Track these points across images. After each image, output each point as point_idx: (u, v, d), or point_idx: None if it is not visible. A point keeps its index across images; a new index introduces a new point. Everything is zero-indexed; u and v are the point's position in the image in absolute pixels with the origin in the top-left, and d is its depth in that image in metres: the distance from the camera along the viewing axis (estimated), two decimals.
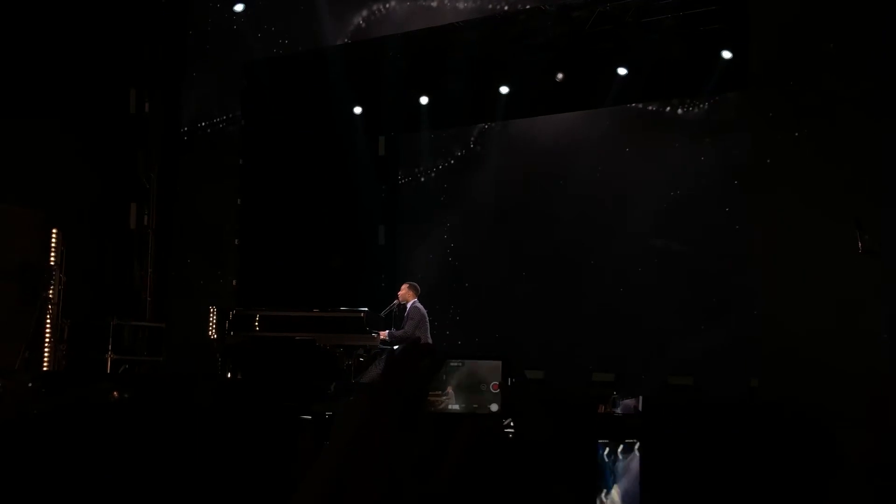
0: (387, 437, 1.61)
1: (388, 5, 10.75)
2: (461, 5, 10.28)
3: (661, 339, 11.26)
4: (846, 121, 7.67)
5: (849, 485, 1.99)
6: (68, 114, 11.04)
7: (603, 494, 1.93)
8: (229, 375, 10.17)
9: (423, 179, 14.18)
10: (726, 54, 10.86)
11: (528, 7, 10.14)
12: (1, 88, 10.23)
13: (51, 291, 9.50)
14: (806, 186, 7.76)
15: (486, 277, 13.15)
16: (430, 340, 9.93)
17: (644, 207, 11.89)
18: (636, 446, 1.98)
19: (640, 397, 7.60)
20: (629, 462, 1.96)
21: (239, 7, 11.50)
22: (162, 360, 11.22)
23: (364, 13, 10.88)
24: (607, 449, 1.95)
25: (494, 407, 1.74)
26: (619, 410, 7.54)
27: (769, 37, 8.35)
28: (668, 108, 12.19)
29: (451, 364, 1.81)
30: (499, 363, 1.80)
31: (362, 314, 10.23)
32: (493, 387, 1.74)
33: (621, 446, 1.97)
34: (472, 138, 13.73)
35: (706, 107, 11.88)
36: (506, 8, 10.13)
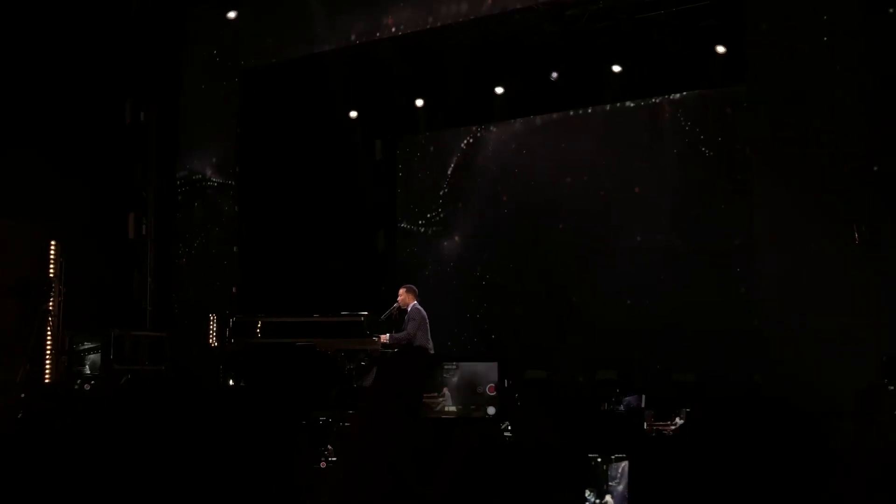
0: (385, 440, 1.60)
1: (381, 9, 10.75)
2: (454, 7, 10.28)
3: (665, 336, 11.24)
4: (844, 114, 7.65)
5: (846, 480, 1.98)
6: (64, 125, 11.03)
7: (598, 501, 1.94)
8: (231, 382, 10.16)
9: (420, 182, 14.17)
10: (721, 49, 10.85)
11: (520, 7, 10.13)
12: None
13: (51, 303, 9.49)
14: (804, 181, 7.74)
15: (487, 278, 13.15)
16: (430, 342, 9.93)
17: (645, 204, 11.88)
18: (625, 460, 1.99)
19: (643, 396, 7.59)
20: (620, 470, 1.97)
21: (232, 14, 11.49)
22: (164, 370, 11.21)
23: (358, 17, 10.87)
24: (599, 459, 1.96)
25: (491, 410, 1.74)
26: (622, 407, 7.53)
27: (764, 30, 8.34)
28: (666, 104, 12.17)
29: (446, 366, 1.80)
30: (494, 364, 1.80)
31: (363, 318, 10.23)
32: (490, 389, 1.74)
33: (612, 458, 1.98)
34: (470, 139, 13.72)
35: (703, 102, 11.86)
36: (499, 8, 10.13)
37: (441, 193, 13.88)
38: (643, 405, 7.43)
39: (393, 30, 10.71)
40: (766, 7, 8.30)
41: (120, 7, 11.79)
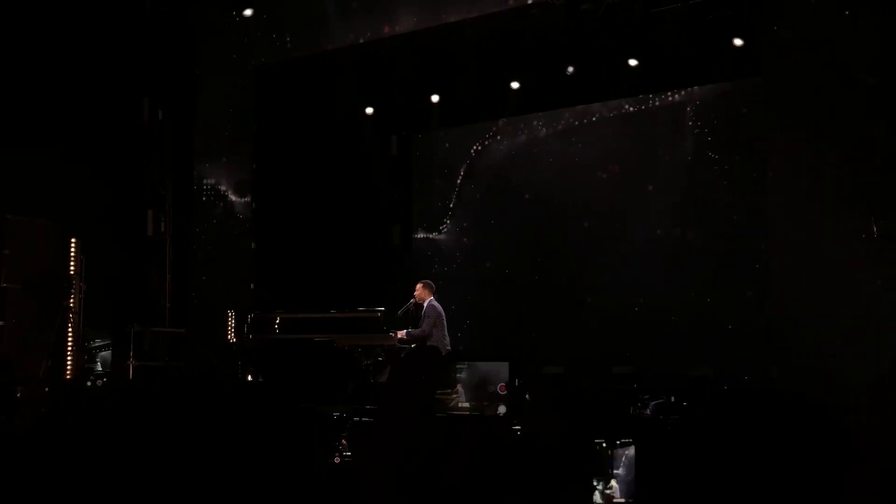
0: (397, 438, 1.63)
1: (395, 5, 10.77)
2: (468, 2, 10.28)
3: (679, 333, 11.22)
4: (860, 108, 7.61)
5: (862, 475, 1.99)
6: (83, 124, 11.13)
7: (602, 486, 1.97)
8: (249, 378, 10.24)
9: (435, 178, 14.17)
10: (738, 41, 10.78)
11: (536, 2, 10.12)
12: (14, 100, 10.32)
13: (71, 300, 9.60)
14: (819, 175, 7.70)
15: (503, 274, 13.14)
16: (447, 338, 9.95)
17: (658, 202, 11.84)
18: (631, 446, 2.01)
19: (672, 398, 7.50)
20: (627, 455, 1.99)
21: (248, 12, 11.55)
22: (182, 366, 11.31)
23: (372, 14, 10.90)
24: (605, 444, 1.98)
25: (502, 409, 1.78)
26: (648, 411, 7.43)
27: (780, 22, 8.29)
28: (680, 101, 12.11)
29: (458, 365, 1.85)
30: (505, 364, 1.84)
31: (379, 314, 10.27)
32: (501, 388, 1.78)
33: (617, 443, 2.00)
34: (479, 145, 13.69)
35: (719, 97, 11.80)
36: (514, 3, 10.12)
37: (455, 190, 13.88)
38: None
39: (407, 26, 10.72)
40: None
41: (135, 5, 11.87)
